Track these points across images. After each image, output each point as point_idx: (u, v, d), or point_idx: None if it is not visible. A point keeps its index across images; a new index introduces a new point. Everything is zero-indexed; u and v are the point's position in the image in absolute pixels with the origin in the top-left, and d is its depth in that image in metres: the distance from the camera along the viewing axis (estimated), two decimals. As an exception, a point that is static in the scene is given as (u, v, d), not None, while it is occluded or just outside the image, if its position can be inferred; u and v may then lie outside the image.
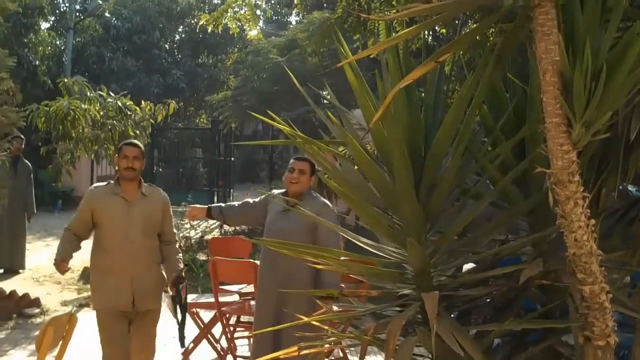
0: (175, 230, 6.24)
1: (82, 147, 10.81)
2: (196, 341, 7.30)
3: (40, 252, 13.74)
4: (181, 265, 6.03)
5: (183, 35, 32.76)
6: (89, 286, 10.82)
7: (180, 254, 6.13)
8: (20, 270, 11.82)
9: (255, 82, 17.28)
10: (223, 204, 6.63)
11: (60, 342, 4.52)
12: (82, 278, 11.28)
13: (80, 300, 10.08)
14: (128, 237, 5.70)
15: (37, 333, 7.60)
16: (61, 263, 5.59)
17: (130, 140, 6.09)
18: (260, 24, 16.96)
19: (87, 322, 7.10)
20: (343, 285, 5.43)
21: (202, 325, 7.35)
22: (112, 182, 5.86)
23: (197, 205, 6.65)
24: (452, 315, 3.43)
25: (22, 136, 10.98)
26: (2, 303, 9.02)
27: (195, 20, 27.76)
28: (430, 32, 8.79)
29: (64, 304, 9.80)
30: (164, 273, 5.98)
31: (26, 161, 11.62)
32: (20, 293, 9.51)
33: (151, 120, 11.39)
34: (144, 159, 5.93)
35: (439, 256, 3.42)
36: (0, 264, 11.72)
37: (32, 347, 7.41)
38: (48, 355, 4.38)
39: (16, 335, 8.26)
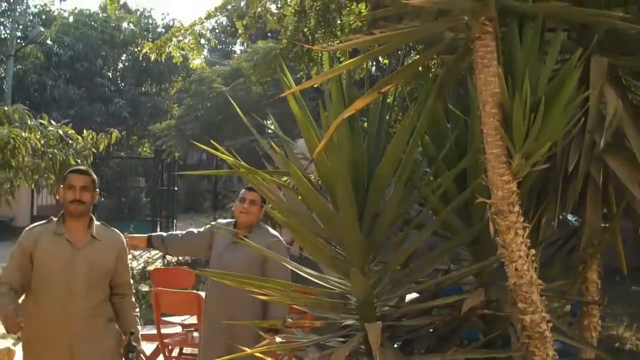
0: (131, 281, 5.07)
1: (22, 176, 10.61)
2: (135, 374, 7.18)
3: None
4: (138, 326, 4.88)
5: (126, 64, 32.59)
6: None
7: (137, 310, 4.99)
8: None
9: (199, 110, 17.28)
10: (164, 233, 6.45)
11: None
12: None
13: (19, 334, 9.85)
14: (68, 290, 4.55)
15: None
16: (11, 315, 4.38)
17: (78, 167, 5.07)
18: (205, 52, 16.97)
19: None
20: (288, 317, 5.39)
21: (144, 358, 7.24)
22: (53, 219, 4.73)
23: (137, 235, 6.40)
24: (395, 345, 3.43)
25: None
26: None
27: (139, 48, 27.66)
28: (374, 63, 8.88)
29: (3, 336, 9.57)
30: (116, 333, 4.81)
31: None
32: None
33: (93, 149, 11.24)
34: (96, 189, 4.80)
35: (382, 286, 3.43)
36: None
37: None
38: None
39: None
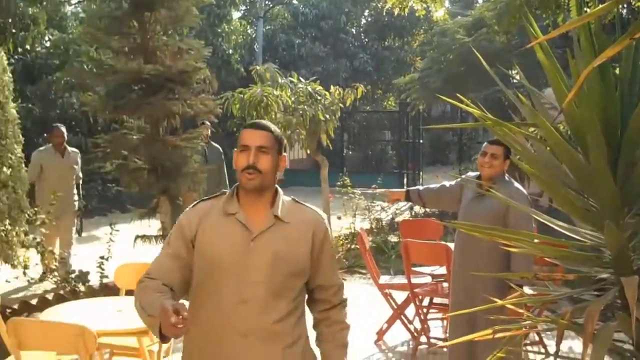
0: (341, 281, 3.54)
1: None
2: (389, 322, 7.40)
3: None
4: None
5: (369, 19, 32.98)
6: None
7: (347, 331, 3.53)
8: None
9: (442, 63, 17.13)
10: (421, 187, 6.64)
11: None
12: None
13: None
14: (238, 296, 3.17)
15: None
16: (166, 314, 2.77)
17: (254, 121, 3.42)
18: (446, 4, 16.79)
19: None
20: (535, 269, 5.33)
21: (395, 307, 7.43)
22: (226, 192, 3.39)
23: (396, 190, 6.68)
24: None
25: (208, 122, 11.04)
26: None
27: (381, 3, 27.90)
28: (625, 5, 8.41)
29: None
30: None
31: (216, 145, 11.71)
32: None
33: (340, 104, 11.55)
34: (282, 151, 3.33)
35: (639, 239, 3.29)
36: None
37: None
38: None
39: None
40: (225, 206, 3.28)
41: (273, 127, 3.31)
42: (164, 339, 2.91)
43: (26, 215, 7.45)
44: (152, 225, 9.50)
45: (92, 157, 9.68)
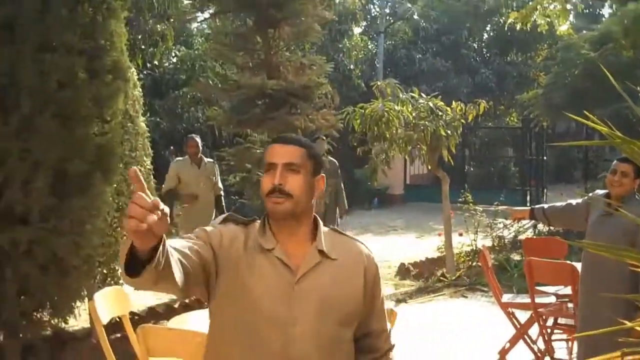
0: (388, 327, 3.09)
1: (396, 147, 11.10)
2: (512, 341, 7.25)
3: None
4: None
5: (491, 33, 32.59)
6: (405, 281, 11.24)
7: None
8: None
9: (566, 78, 16.75)
10: (545, 205, 6.50)
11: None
12: (399, 274, 11.67)
13: (397, 295, 10.37)
14: (287, 351, 2.57)
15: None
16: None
17: (283, 134, 3.00)
18: (571, 18, 16.42)
19: (405, 317, 7.30)
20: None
21: (518, 326, 7.28)
22: (257, 220, 2.78)
23: (520, 208, 6.57)
24: None
25: (324, 137, 11.03)
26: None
27: (504, 18, 27.52)
28: None
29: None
30: None
31: (333, 160, 11.64)
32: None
33: (462, 120, 11.44)
34: (318, 170, 2.73)
35: None
36: None
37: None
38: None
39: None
40: (259, 239, 2.65)
41: (306, 141, 2.74)
42: (132, 269, 2.13)
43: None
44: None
45: (216, 170, 9.87)
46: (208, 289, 2.62)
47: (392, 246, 15.03)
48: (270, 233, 2.67)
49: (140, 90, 7.55)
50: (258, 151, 9.23)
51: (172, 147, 18.14)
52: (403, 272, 11.80)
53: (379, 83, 11.81)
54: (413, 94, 11.49)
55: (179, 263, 2.35)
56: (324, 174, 2.76)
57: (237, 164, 9.21)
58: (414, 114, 11.05)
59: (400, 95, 11.27)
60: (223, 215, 2.78)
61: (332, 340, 2.64)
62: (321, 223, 2.78)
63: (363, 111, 10.80)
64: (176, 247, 2.42)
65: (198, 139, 9.72)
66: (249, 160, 9.24)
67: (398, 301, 10.04)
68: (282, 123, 8.87)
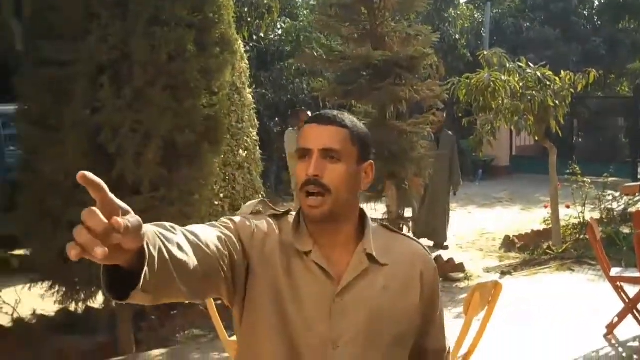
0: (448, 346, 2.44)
1: (502, 118, 10.96)
2: (621, 316, 7.12)
3: (462, 219, 14.22)
4: None
5: (602, 1, 31.56)
6: (510, 254, 11.12)
7: None
8: (445, 244, 11.61)
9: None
10: None
11: (486, 308, 4.67)
12: (504, 246, 11.55)
13: (502, 267, 10.29)
14: None
15: (461, 296, 8.00)
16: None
17: (322, 112, 2.19)
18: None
19: (510, 290, 7.25)
20: None
21: (626, 300, 7.14)
22: (292, 212, 2.22)
23: (631, 184, 6.39)
24: None
25: (442, 108, 10.98)
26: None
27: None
28: None
29: (486, 270, 10.08)
30: None
31: (449, 132, 11.61)
32: (445, 258, 9.99)
33: (570, 90, 11.18)
34: (367, 155, 2.18)
35: None
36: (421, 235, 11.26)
37: (457, 309, 7.75)
38: (474, 319, 4.55)
39: (442, 298, 8.64)
40: (293, 238, 2.11)
41: (350, 120, 2.14)
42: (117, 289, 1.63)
43: (259, 196, 7.82)
44: (378, 209, 9.66)
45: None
46: (234, 291, 2.05)
47: (497, 218, 14.89)
48: (306, 232, 2.11)
49: (247, 62, 7.66)
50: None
51: (276, 119, 18.35)
52: (508, 244, 11.68)
53: (485, 52, 11.68)
54: (520, 64, 11.31)
55: (196, 254, 1.82)
56: (372, 160, 2.19)
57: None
58: (521, 84, 10.88)
59: (507, 65, 11.11)
60: (254, 202, 2.23)
61: (391, 354, 2.11)
62: (369, 219, 2.21)
63: (469, 81, 10.71)
64: (197, 233, 1.89)
65: (309, 113, 9.83)
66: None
67: (503, 274, 9.95)
68: (387, 94, 8.84)
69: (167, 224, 1.79)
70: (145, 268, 1.57)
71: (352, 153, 2.09)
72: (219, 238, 1.97)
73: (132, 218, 1.47)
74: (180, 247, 1.75)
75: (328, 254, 2.10)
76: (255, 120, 7.77)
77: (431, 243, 11.21)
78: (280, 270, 2.06)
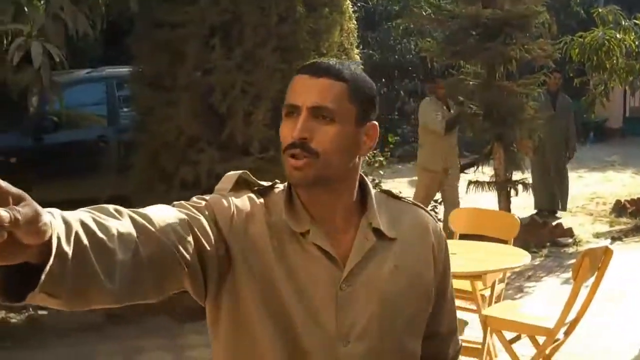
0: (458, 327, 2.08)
1: (616, 78, 10.64)
2: None
3: (572, 183, 13.91)
4: None
5: None
6: (621, 219, 10.84)
7: None
8: (560, 211, 11.07)
9: None
10: None
11: (595, 274, 4.59)
12: (615, 211, 11.26)
13: (613, 233, 10.05)
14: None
15: (570, 262, 7.86)
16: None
17: (314, 61, 1.81)
18: None
19: (620, 256, 7.08)
20: None
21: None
22: (279, 186, 1.81)
23: None
24: None
25: (559, 70, 10.61)
26: (537, 231, 9.39)
27: None
28: None
29: (596, 235, 9.86)
30: None
31: (566, 96, 11.05)
32: (554, 223, 9.83)
33: None
34: (369, 113, 1.76)
35: None
36: (540, 204, 10.95)
37: (565, 275, 7.63)
38: (583, 285, 4.48)
39: (549, 263, 8.55)
40: (286, 216, 1.73)
41: (350, 71, 1.74)
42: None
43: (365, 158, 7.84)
44: (485, 172, 9.56)
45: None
46: (203, 285, 1.67)
47: (608, 182, 14.52)
48: (300, 207, 1.75)
49: (355, 22, 7.64)
50: (471, 83, 9.11)
51: (383, 80, 18.27)
52: (619, 209, 11.36)
53: (599, 10, 11.32)
54: (636, 21, 10.94)
55: (142, 242, 1.47)
56: (375, 121, 1.80)
57: (449, 96, 9.15)
58: (637, 43, 10.53)
59: (623, 23, 10.77)
60: (233, 174, 1.79)
61: (396, 350, 1.79)
62: (370, 187, 1.85)
63: (582, 40, 10.43)
64: (150, 217, 1.53)
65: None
66: (462, 93, 9.14)
67: (613, 239, 9.71)
68: (496, 54, 8.70)
69: (112, 207, 1.46)
70: (47, 267, 1.25)
71: (350, 112, 1.70)
72: (181, 221, 1.59)
73: (25, 208, 1.17)
74: (114, 237, 1.39)
75: (328, 232, 1.74)
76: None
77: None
78: (272, 256, 1.69)
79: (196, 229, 1.60)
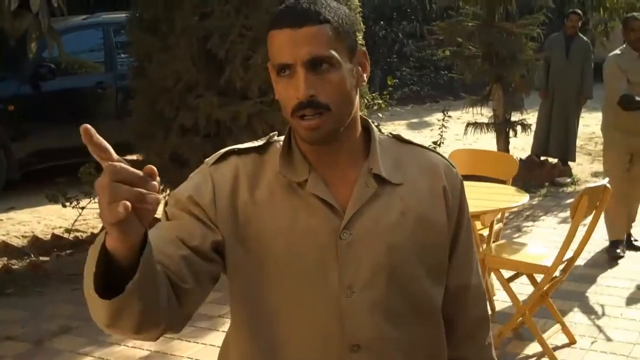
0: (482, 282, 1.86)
1: (616, 17, 10.58)
2: None
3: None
4: None
5: None
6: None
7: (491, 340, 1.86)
8: (570, 162, 10.25)
9: None
10: None
11: (594, 212, 4.62)
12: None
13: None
14: (339, 329, 1.62)
15: (568, 201, 7.90)
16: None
17: (288, 9, 1.59)
18: None
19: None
20: None
21: None
22: (276, 139, 1.73)
23: None
24: None
25: (579, 11, 9.87)
26: (536, 171, 9.41)
27: None
28: None
29: (594, 175, 9.88)
30: None
31: (584, 38, 9.94)
32: (552, 162, 9.83)
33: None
34: (354, 43, 1.63)
35: None
36: (534, 150, 10.26)
37: (563, 214, 7.68)
38: (581, 224, 4.51)
39: (548, 202, 8.58)
40: (284, 168, 1.65)
41: (327, 7, 1.59)
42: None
43: (364, 101, 7.82)
44: (484, 113, 9.55)
45: (426, 44, 9.83)
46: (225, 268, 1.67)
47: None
48: (299, 156, 1.66)
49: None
50: (470, 24, 9.06)
51: (382, 22, 18.13)
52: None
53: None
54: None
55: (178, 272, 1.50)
56: (363, 49, 1.70)
57: (447, 38, 9.11)
58: (637, -19, 10.44)
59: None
60: (221, 152, 1.71)
61: (409, 307, 1.68)
62: (375, 131, 1.74)
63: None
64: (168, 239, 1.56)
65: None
66: (460, 34, 9.10)
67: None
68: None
69: None
70: (141, 264, 1.28)
71: (341, 51, 1.59)
72: (189, 228, 1.59)
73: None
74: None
75: (328, 180, 1.65)
76: (361, 24, 7.71)
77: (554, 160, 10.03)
78: (268, 214, 1.63)
79: (200, 229, 1.59)
